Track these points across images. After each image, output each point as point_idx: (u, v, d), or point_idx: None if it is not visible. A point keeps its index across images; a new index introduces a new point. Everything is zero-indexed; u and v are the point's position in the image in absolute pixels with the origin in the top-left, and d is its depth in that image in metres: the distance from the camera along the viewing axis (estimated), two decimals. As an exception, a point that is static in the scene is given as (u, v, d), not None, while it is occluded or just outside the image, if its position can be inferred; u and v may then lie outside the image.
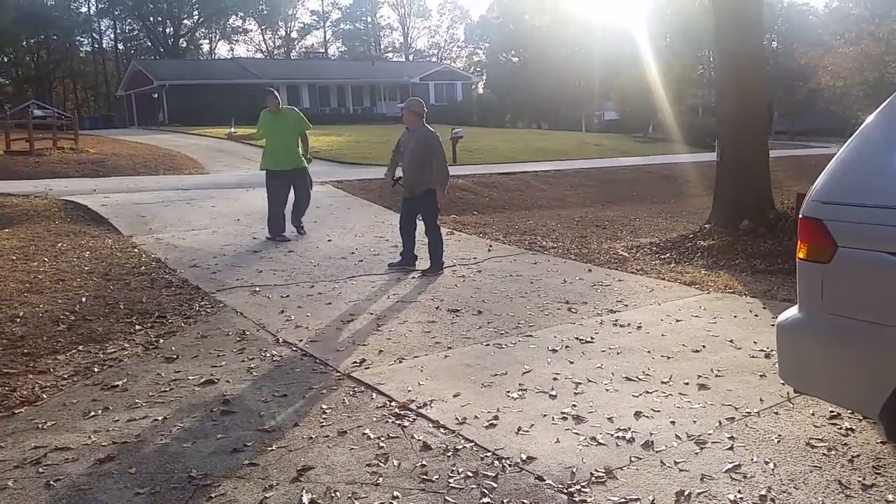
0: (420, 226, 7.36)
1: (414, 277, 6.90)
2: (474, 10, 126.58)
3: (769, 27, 46.26)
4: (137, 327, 5.22)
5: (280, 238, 8.51)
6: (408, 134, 7.19)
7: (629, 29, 34.96)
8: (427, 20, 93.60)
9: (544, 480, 3.00)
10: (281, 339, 4.98)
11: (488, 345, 4.89)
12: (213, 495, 2.89)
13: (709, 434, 3.42)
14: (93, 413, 3.72)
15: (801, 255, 3.11)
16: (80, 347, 4.77)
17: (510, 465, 3.13)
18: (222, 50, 74.80)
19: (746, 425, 3.52)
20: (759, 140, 9.03)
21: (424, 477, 3.03)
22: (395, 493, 2.90)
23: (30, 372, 4.31)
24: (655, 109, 31.55)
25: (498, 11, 63.03)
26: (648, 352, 4.70)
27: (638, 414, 3.67)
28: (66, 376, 4.27)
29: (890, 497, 2.83)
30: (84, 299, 5.79)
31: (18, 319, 5.19)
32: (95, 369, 4.39)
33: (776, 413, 3.66)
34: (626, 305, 5.93)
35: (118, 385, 4.10)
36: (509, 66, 60.20)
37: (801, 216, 3.13)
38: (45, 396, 3.96)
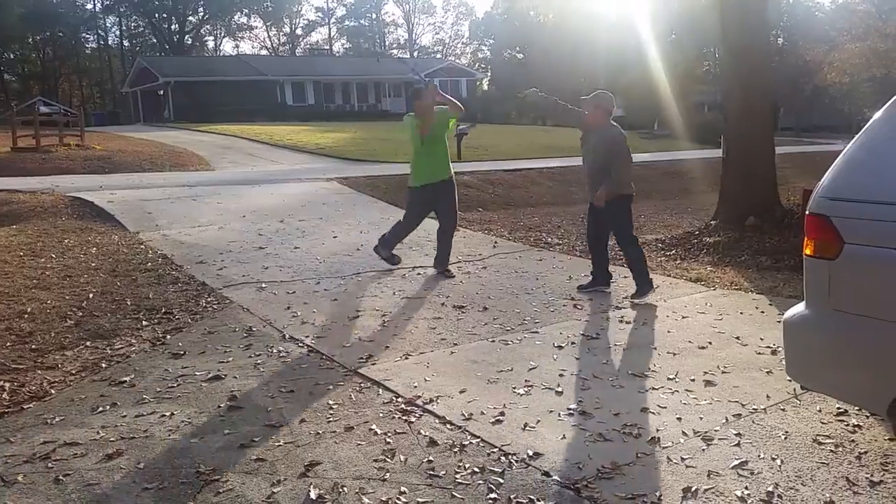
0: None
1: (420, 274, 6.91)
2: (479, 7, 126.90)
3: (775, 23, 46.11)
4: (144, 323, 5.24)
5: (391, 258, 7.08)
6: (588, 129, 6.10)
7: (634, 25, 34.82)
8: (432, 16, 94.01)
9: (551, 476, 3.00)
10: (287, 336, 4.99)
11: (494, 341, 4.90)
12: (220, 490, 2.91)
13: (715, 430, 3.42)
14: (101, 408, 3.73)
15: (807, 251, 3.10)
16: (88, 343, 4.79)
17: (517, 461, 3.14)
18: (227, 47, 74.86)
19: (753, 422, 3.52)
20: (765, 136, 9.01)
21: (431, 472, 3.04)
22: (402, 489, 2.91)
23: (38, 367, 4.33)
24: (661, 106, 31.41)
25: (503, 8, 62.97)
26: (654, 348, 4.70)
27: (644, 410, 3.67)
28: (73, 372, 4.28)
29: (897, 493, 2.83)
30: (91, 295, 5.82)
31: (26, 315, 5.22)
32: (103, 365, 4.41)
33: (783, 410, 3.66)
34: (632, 302, 5.93)
35: (126, 381, 4.12)
36: (514, 62, 60.13)
37: (807, 212, 3.12)
38: (53, 392, 3.98)
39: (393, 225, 7.20)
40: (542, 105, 6.43)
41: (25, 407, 3.77)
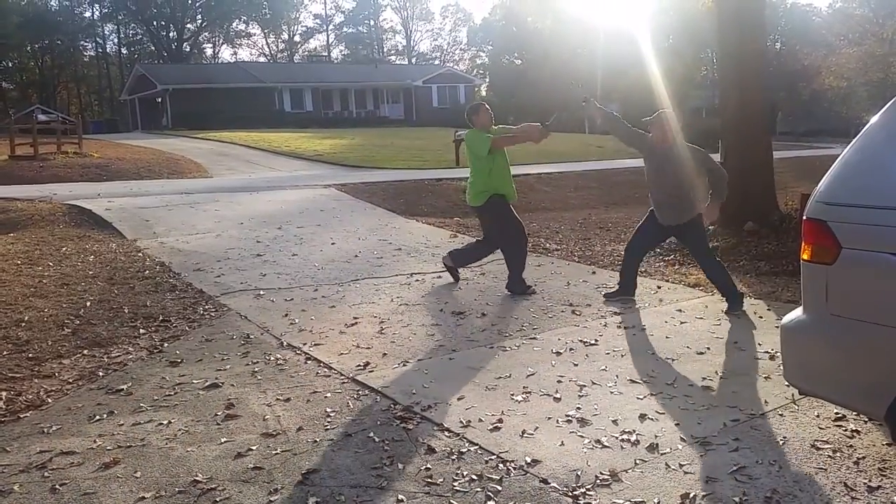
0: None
1: (418, 280, 6.90)
2: (477, 13, 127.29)
3: (772, 28, 46.23)
4: (142, 331, 5.23)
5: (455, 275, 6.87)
6: (656, 150, 6.02)
7: (631, 31, 34.90)
8: (430, 23, 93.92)
9: (549, 483, 2.99)
10: (285, 343, 4.98)
11: (492, 347, 4.89)
12: (217, 499, 2.89)
13: (714, 436, 3.41)
14: (98, 417, 3.72)
15: (805, 256, 3.10)
16: (85, 351, 4.78)
17: (515, 468, 3.13)
18: (225, 54, 75.26)
19: (751, 427, 3.51)
20: (762, 141, 9.02)
21: (429, 480, 3.03)
22: (400, 497, 2.90)
23: (35, 376, 4.32)
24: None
25: (500, 14, 63.14)
26: (652, 354, 4.69)
27: (643, 416, 3.66)
28: (71, 380, 4.27)
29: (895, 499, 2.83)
30: (88, 303, 5.81)
31: (23, 324, 5.21)
32: (100, 373, 4.40)
33: (781, 415, 3.66)
34: (630, 307, 5.92)
35: (123, 389, 4.11)
36: (512, 68, 60.22)
37: (805, 217, 3.12)
38: (50, 401, 3.97)
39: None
40: (604, 120, 6.45)
41: (22, 416, 3.75)
